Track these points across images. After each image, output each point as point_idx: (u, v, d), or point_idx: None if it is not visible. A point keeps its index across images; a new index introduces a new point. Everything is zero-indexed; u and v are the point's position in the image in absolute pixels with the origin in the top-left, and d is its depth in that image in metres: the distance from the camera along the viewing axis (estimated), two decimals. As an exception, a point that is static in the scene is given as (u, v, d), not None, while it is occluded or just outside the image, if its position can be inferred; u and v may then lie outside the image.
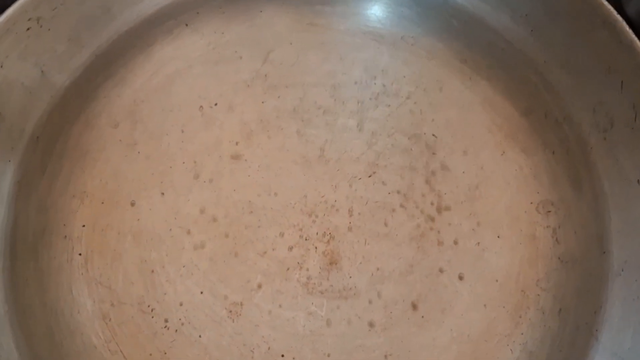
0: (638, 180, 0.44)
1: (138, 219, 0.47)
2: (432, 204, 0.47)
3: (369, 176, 0.48)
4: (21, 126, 0.46)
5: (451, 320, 0.44)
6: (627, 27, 0.43)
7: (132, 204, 0.47)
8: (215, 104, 0.50)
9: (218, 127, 0.50)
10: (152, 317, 0.44)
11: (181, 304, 0.45)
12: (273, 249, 0.46)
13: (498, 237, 0.46)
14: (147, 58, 0.51)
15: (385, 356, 0.44)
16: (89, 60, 0.49)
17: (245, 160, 0.49)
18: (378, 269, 0.46)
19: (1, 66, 0.44)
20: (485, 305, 0.45)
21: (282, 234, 0.47)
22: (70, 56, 0.48)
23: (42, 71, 0.47)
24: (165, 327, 0.44)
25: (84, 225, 0.47)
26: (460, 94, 0.50)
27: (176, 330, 0.44)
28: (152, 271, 0.46)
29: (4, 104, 0.45)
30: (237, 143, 0.49)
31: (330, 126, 0.50)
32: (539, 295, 0.45)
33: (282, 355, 0.44)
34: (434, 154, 0.49)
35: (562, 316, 0.44)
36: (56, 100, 0.48)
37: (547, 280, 0.45)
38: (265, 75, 0.51)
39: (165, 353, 0.44)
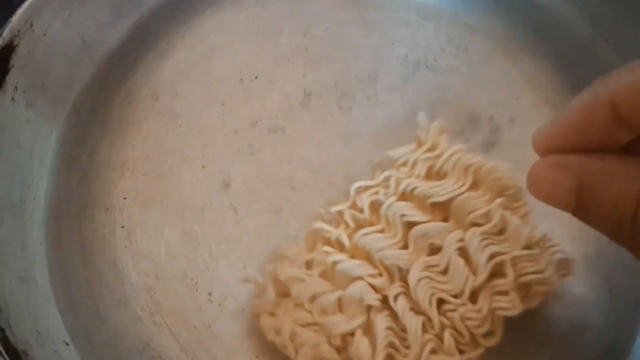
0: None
1: (180, 192, 0.46)
2: (478, 180, 0.46)
3: (412, 152, 0.48)
4: (63, 96, 0.45)
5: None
6: (683, 1, 0.42)
7: (174, 177, 0.47)
8: (256, 78, 0.50)
9: (259, 100, 0.49)
10: (196, 290, 0.44)
11: (224, 279, 0.44)
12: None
13: (546, 215, 0.45)
14: (188, 31, 0.50)
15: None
16: (130, 31, 0.48)
17: (286, 134, 0.48)
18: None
19: (44, 34, 0.43)
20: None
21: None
22: (112, 26, 0.47)
23: (84, 40, 0.46)
24: (209, 300, 0.44)
25: (125, 198, 0.46)
26: (505, 72, 0.49)
27: (219, 304, 0.44)
28: (195, 245, 0.45)
29: (47, 74, 0.44)
30: (277, 117, 0.49)
31: (371, 101, 0.49)
32: (587, 271, 0.44)
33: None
34: (478, 130, 0.48)
35: (612, 294, 0.43)
36: (97, 71, 0.47)
37: (596, 258, 0.44)
38: (306, 49, 0.50)
39: (210, 327, 0.43)
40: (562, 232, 0.45)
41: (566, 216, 0.45)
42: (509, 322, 0.41)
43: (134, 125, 0.48)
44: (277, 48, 0.50)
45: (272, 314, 0.41)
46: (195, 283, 0.44)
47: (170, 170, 0.47)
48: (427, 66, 0.50)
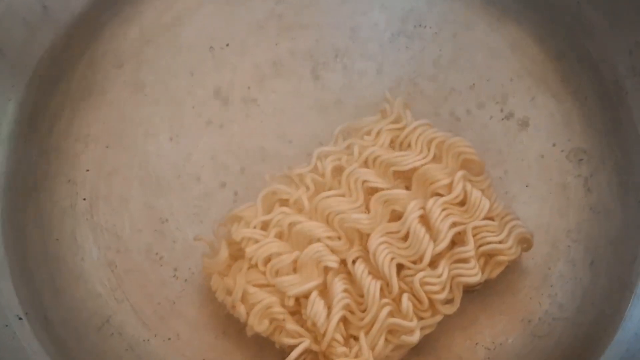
0: (678, 126, 0.41)
1: (145, 165, 0.45)
2: (456, 151, 0.45)
3: (389, 123, 0.46)
4: (23, 63, 0.43)
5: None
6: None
7: (139, 149, 0.45)
8: (227, 45, 0.48)
9: (229, 69, 0.47)
10: (161, 265, 0.42)
11: (192, 254, 0.43)
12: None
13: (527, 186, 0.44)
14: (155, -5, 0.48)
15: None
16: (94, -4, 0.46)
17: (258, 105, 0.46)
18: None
19: (0, -2, 0.41)
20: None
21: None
22: (74, -9, 0.45)
23: (44, 6, 0.44)
24: (174, 276, 0.42)
25: (88, 170, 0.44)
26: (488, 37, 0.47)
27: (185, 280, 0.42)
28: (161, 218, 0.43)
29: (5, 39, 0.42)
30: (249, 87, 0.47)
31: (347, 70, 0.47)
32: (569, 246, 0.42)
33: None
34: (458, 99, 0.46)
35: (593, 268, 0.42)
36: (59, 38, 0.45)
37: (578, 231, 0.43)
38: (280, 16, 0.48)
39: (174, 302, 0.42)
40: (542, 204, 0.44)
41: (547, 189, 0.44)
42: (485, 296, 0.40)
43: (97, 95, 0.46)
44: (249, 14, 0.48)
45: (223, 275, 0.39)
46: (160, 258, 0.43)
47: (135, 141, 0.45)
48: (405, 33, 0.48)
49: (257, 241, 0.39)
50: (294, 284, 0.38)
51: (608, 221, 0.42)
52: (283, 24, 0.48)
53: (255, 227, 0.40)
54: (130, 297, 0.42)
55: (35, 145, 0.44)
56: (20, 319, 0.38)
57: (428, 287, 0.38)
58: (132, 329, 0.41)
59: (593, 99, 0.45)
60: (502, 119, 0.45)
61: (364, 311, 0.38)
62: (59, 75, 0.45)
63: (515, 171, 0.44)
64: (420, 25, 0.48)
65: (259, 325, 0.38)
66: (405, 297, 0.38)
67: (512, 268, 0.41)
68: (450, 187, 0.39)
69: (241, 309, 0.38)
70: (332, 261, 0.38)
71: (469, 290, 0.40)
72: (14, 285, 0.39)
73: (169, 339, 0.41)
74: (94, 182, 0.44)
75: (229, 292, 0.39)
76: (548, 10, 0.47)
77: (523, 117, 0.45)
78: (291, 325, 0.38)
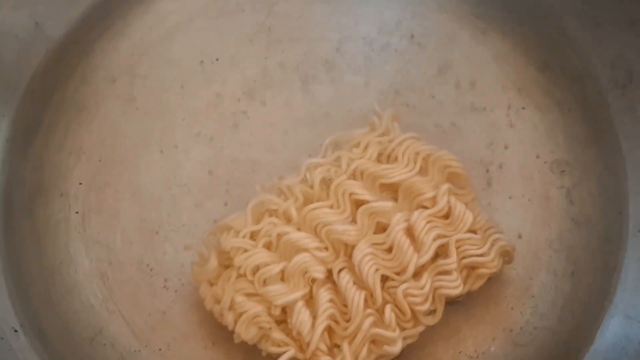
0: (658, 138, 0.42)
1: (137, 178, 0.45)
2: (441, 162, 0.45)
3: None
4: (15, 80, 0.44)
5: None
6: (651, -25, 0.40)
7: (131, 162, 0.46)
8: (217, 59, 0.48)
9: (220, 83, 0.48)
10: (152, 276, 0.43)
11: (182, 265, 0.44)
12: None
13: (510, 197, 0.45)
14: (146, 10, 0.49)
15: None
16: (86, 12, 0.47)
17: (248, 117, 0.47)
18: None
19: (-7, 15, 0.42)
20: (495, 267, 0.43)
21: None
22: (66, 7, 0.46)
23: (36, 23, 0.45)
24: (165, 287, 0.43)
25: (80, 183, 0.45)
26: (473, 49, 0.48)
27: (176, 291, 0.43)
28: (152, 230, 0.44)
29: (-3, 56, 0.43)
30: (239, 100, 0.48)
31: (336, 83, 0.48)
32: (551, 256, 0.43)
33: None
34: (444, 111, 0.47)
35: (575, 278, 0.42)
36: (51, 54, 0.46)
37: (560, 241, 0.43)
38: (269, 29, 0.49)
39: (165, 313, 0.42)
40: (525, 215, 0.44)
41: (529, 199, 0.45)
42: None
43: (89, 109, 0.47)
44: (238, 28, 0.49)
45: (212, 283, 0.40)
46: (151, 269, 0.44)
47: (127, 155, 0.46)
48: (392, 46, 0.48)
49: (245, 251, 0.40)
50: (281, 294, 0.39)
51: (589, 232, 0.43)
52: (272, 38, 0.49)
53: (244, 237, 0.40)
54: (121, 309, 0.43)
55: (30, 159, 0.45)
56: (15, 331, 0.39)
57: (411, 299, 0.39)
58: (124, 340, 0.42)
59: (576, 111, 0.46)
60: (486, 131, 0.46)
61: (348, 321, 0.39)
62: (52, 91, 0.46)
63: (498, 182, 0.45)
64: (406, 37, 0.49)
65: (246, 333, 0.39)
66: (388, 307, 0.38)
67: (495, 278, 0.42)
68: (435, 199, 0.40)
69: (229, 317, 0.39)
70: (319, 272, 0.39)
71: (452, 302, 0.40)
72: (9, 298, 0.40)
73: (160, 349, 0.42)
74: (86, 195, 0.45)
75: (217, 301, 0.40)
76: (532, 23, 0.48)
77: (507, 128, 0.46)
78: (277, 334, 0.39)
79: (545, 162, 0.45)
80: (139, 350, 0.42)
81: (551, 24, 0.47)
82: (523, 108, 0.46)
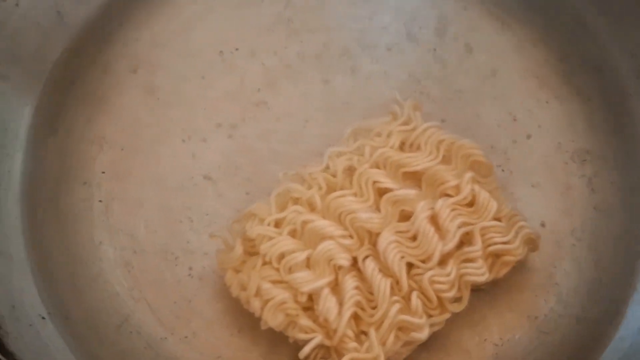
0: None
1: (159, 167, 0.45)
2: (463, 152, 0.46)
3: (396, 124, 0.47)
4: (38, 69, 0.44)
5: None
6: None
7: (153, 151, 0.46)
8: (236, 49, 0.48)
9: (239, 73, 0.48)
10: (176, 265, 0.43)
11: (206, 253, 0.44)
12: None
13: (532, 186, 0.45)
14: (167, 0, 0.49)
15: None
16: (107, 1, 0.47)
17: (268, 107, 0.47)
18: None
19: (17, 4, 0.42)
20: (518, 255, 0.43)
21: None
22: (87, -3, 0.46)
23: (58, 12, 0.45)
24: (190, 275, 0.43)
25: (103, 172, 0.45)
26: (492, 39, 0.48)
27: (200, 279, 0.43)
28: (175, 219, 0.44)
29: (20, 45, 0.43)
30: (259, 90, 0.48)
31: (355, 72, 0.48)
32: (574, 245, 0.43)
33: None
34: (465, 101, 0.47)
35: (598, 266, 0.43)
36: (73, 43, 0.46)
37: (583, 230, 0.44)
38: (288, 20, 0.49)
39: (190, 301, 0.43)
40: (547, 204, 0.45)
41: (552, 189, 0.45)
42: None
43: (111, 99, 0.47)
44: (258, 18, 0.49)
45: (237, 271, 0.40)
46: (176, 258, 0.44)
47: (149, 144, 0.46)
48: (412, 36, 0.49)
49: (271, 238, 0.40)
50: (307, 281, 0.39)
51: (611, 220, 0.44)
52: (292, 28, 0.49)
53: (269, 225, 0.40)
54: (147, 297, 0.43)
55: (53, 148, 0.45)
56: (43, 318, 0.39)
57: (437, 286, 0.39)
58: (150, 328, 0.42)
59: (596, 100, 0.46)
60: (507, 120, 0.46)
61: (374, 308, 0.39)
62: (74, 80, 0.46)
63: (520, 172, 0.45)
64: (426, 27, 0.49)
65: (273, 319, 0.39)
66: (414, 295, 0.39)
67: (519, 266, 0.42)
68: (458, 188, 0.40)
69: (255, 304, 0.39)
70: (344, 259, 0.39)
71: (477, 289, 0.41)
72: (36, 286, 0.40)
73: (186, 337, 0.42)
74: (109, 184, 0.45)
75: (244, 288, 0.40)
76: (552, 13, 0.48)
77: (527, 118, 0.46)
78: (304, 320, 0.39)
79: (566, 151, 0.46)
80: (165, 338, 0.42)
81: (571, 13, 0.47)
82: (543, 98, 0.47)
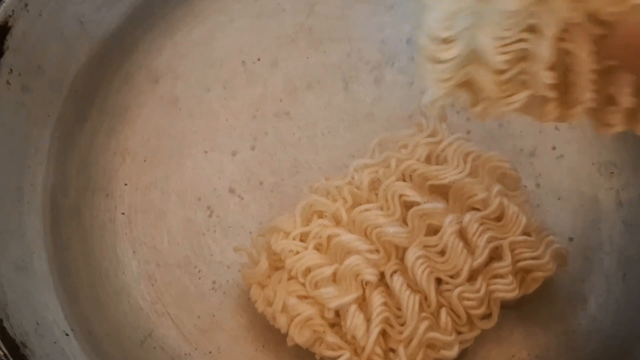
0: None
1: (182, 178, 0.45)
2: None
3: (420, 136, 0.46)
4: (60, 79, 0.44)
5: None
6: None
7: (176, 163, 0.45)
8: (258, 59, 0.48)
9: (261, 83, 0.47)
10: (199, 278, 0.43)
11: (229, 266, 0.43)
12: (321, 210, 0.45)
13: (559, 199, 0.44)
14: (188, 10, 0.48)
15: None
16: (129, 11, 0.47)
17: (290, 118, 0.47)
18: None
19: (40, 14, 0.42)
20: (546, 270, 0.43)
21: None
22: (110, 6, 0.45)
23: (80, 22, 0.44)
24: (213, 289, 0.43)
25: (126, 184, 0.45)
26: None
27: (224, 293, 0.43)
28: (198, 232, 0.44)
29: (43, 56, 0.42)
30: (281, 100, 0.47)
31: (379, 83, 0.48)
32: (602, 259, 0.43)
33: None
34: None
35: (626, 281, 0.42)
36: (95, 53, 0.45)
37: (611, 244, 0.43)
38: (310, 29, 0.48)
39: (214, 315, 0.42)
40: (575, 217, 0.44)
41: (578, 202, 0.45)
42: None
43: (133, 109, 0.46)
44: (279, 28, 0.48)
45: (263, 285, 0.40)
46: (199, 271, 0.43)
47: (171, 155, 0.46)
48: (435, 46, 0.48)
49: (296, 252, 0.40)
50: (334, 297, 0.38)
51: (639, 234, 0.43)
52: (314, 38, 0.48)
53: (294, 239, 0.40)
54: (170, 311, 0.42)
55: (75, 160, 0.44)
56: (67, 335, 0.39)
57: (466, 302, 0.38)
58: (174, 343, 0.41)
59: (623, 112, 0.46)
60: (533, 132, 0.46)
61: (402, 324, 0.38)
62: (96, 91, 0.46)
63: (547, 184, 0.45)
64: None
65: (300, 336, 0.38)
66: (444, 311, 0.38)
67: (546, 281, 0.42)
68: (486, 202, 0.40)
69: (282, 320, 0.39)
70: (371, 274, 0.39)
71: (505, 306, 0.40)
72: (59, 301, 0.40)
73: (210, 352, 0.41)
74: (132, 196, 0.45)
75: (269, 303, 0.39)
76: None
77: (553, 129, 0.46)
78: (331, 337, 0.38)
79: (593, 164, 0.45)
80: (189, 354, 0.41)
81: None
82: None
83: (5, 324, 0.36)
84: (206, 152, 0.46)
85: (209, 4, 0.49)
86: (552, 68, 0.29)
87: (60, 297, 0.40)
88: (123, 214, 0.44)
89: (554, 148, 0.45)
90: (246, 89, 0.47)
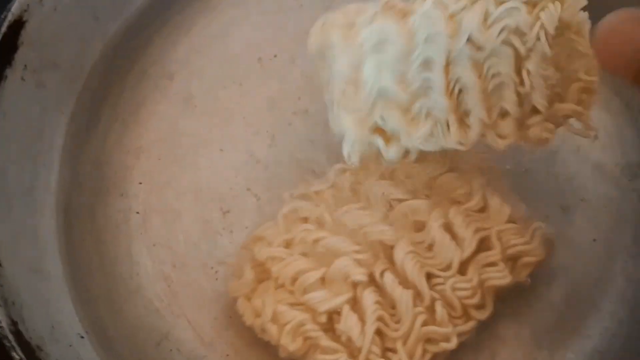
0: None
1: (197, 177, 0.44)
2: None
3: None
4: (74, 76, 0.43)
5: (533, 287, 0.41)
6: None
7: (191, 161, 0.44)
8: (275, 56, 0.47)
9: (277, 80, 0.47)
10: (216, 279, 0.42)
11: (246, 267, 0.42)
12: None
13: (581, 200, 0.43)
14: (204, 5, 0.47)
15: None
16: (143, 6, 0.46)
17: (309, 115, 0.46)
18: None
19: (55, 9, 0.41)
20: (568, 273, 0.42)
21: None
22: (124, 1, 0.45)
23: (96, 17, 0.43)
24: (230, 290, 0.42)
25: (140, 183, 0.44)
26: (538, 48, 0.47)
27: (241, 294, 0.42)
28: (215, 232, 0.43)
29: (58, 51, 0.42)
30: (299, 98, 0.46)
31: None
32: (626, 262, 0.42)
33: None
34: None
35: (652, 285, 0.42)
36: (109, 49, 0.45)
37: (636, 246, 0.42)
38: (328, 25, 0.48)
39: (231, 317, 0.41)
40: (598, 219, 0.43)
41: (602, 203, 0.44)
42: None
43: (148, 107, 0.45)
44: (297, 24, 0.47)
45: (249, 297, 0.39)
46: (216, 272, 0.42)
47: (186, 154, 0.45)
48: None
49: (282, 260, 0.39)
50: (325, 299, 0.38)
51: (664, 236, 0.42)
52: (332, 34, 0.47)
53: (278, 246, 0.39)
54: (187, 313, 0.41)
55: (88, 158, 0.43)
56: (82, 337, 0.38)
57: (459, 293, 0.38)
58: (191, 345, 0.41)
59: (647, 113, 0.45)
60: (558, 134, 0.45)
61: (397, 322, 0.38)
62: (110, 87, 0.45)
63: (570, 185, 0.44)
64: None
65: (292, 344, 0.37)
66: (439, 304, 0.38)
67: (570, 283, 0.41)
68: (469, 194, 0.40)
69: (272, 330, 0.38)
70: (361, 274, 0.38)
71: (499, 298, 0.40)
72: (73, 304, 0.39)
73: (227, 355, 0.41)
74: (146, 195, 0.44)
75: (258, 315, 0.39)
76: (599, 19, 0.47)
77: (576, 130, 0.45)
78: (326, 341, 0.37)
79: (616, 165, 0.44)
80: (206, 356, 0.40)
81: None
82: (592, 109, 0.45)
83: (21, 327, 0.35)
84: (222, 150, 0.45)
85: (225, -1, 0.48)
86: (449, 94, 0.35)
87: (74, 299, 0.39)
88: (138, 213, 0.43)
89: (577, 150, 0.45)
90: (263, 86, 0.46)
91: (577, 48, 0.35)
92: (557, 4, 0.34)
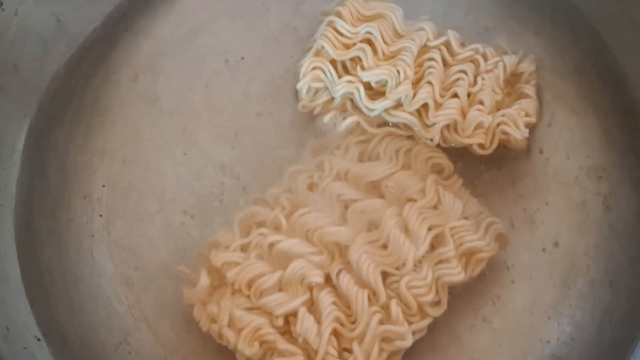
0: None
1: (161, 180, 0.44)
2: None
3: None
4: (37, 79, 0.43)
5: (494, 290, 0.41)
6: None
7: (155, 164, 0.45)
8: (242, 58, 0.47)
9: (244, 82, 0.47)
10: (178, 282, 0.42)
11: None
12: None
13: (546, 203, 0.43)
14: (170, 8, 0.47)
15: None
16: (108, 9, 0.46)
17: (273, 116, 0.46)
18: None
19: (15, 13, 0.41)
20: (530, 276, 0.42)
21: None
22: (89, 5, 0.45)
23: (58, 20, 0.44)
24: (191, 293, 0.42)
25: (104, 185, 0.44)
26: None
27: (202, 297, 0.42)
28: (176, 235, 0.43)
29: (19, 55, 0.42)
30: (264, 99, 0.46)
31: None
32: (588, 265, 0.42)
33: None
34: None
35: (613, 287, 0.41)
36: (73, 52, 0.45)
37: (597, 250, 0.42)
38: (295, 29, 0.47)
39: (192, 321, 0.41)
40: (561, 222, 0.43)
41: (565, 206, 0.44)
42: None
43: (112, 109, 0.45)
44: (264, 27, 0.48)
45: (205, 304, 0.39)
46: (178, 276, 0.42)
47: (150, 156, 0.45)
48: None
49: (237, 264, 0.39)
50: (282, 302, 0.38)
51: (628, 240, 0.42)
52: (298, 37, 0.47)
53: (234, 251, 0.40)
54: (148, 316, 0.41)
55: (51, 161, 0.43)
56: (38, 340, 0.38)
57: (414, 291, 0.38)
58: (150, 348, 0.41)
59: (612, 116, 0.45)
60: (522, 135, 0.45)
61: (353, 322, 0.38)
62: (73, 90, 0.45)
63: (534, 188, 0.44)
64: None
65: (249, 349, 0.38)
66: (394, 302, 0.38)
67: (530, 287, 0.41)
68: (423, 192, 0.40)
69: (229, 335, 0.38)
70: (317, 276, 0.38)
71: (453, 292, 0.40)
72: (30, 306, 0.39)
73: (186, 357, 0.41)
74: (110, 198, 0.44)
75: (214, 320, 0.38)
76: (567, 26, 0.46)
77: (542, 132, 0.45)
78: (283, 344, 0.38)
79: (581, 168, 0.44)
80: (165, 358, 0.41)
81: (587, 26, 0.46)
82: (558, 112, 0.45)
83: (-26, 330, 0.35)
84: (185, 153, 0.45)
85: (192, 2, 0.48)
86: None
87: (32, 301, 0.39)
88: (101, 216, 0.43)
89: (540, 151, 0.44)
90: (229, 88, 0.46)
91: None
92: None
